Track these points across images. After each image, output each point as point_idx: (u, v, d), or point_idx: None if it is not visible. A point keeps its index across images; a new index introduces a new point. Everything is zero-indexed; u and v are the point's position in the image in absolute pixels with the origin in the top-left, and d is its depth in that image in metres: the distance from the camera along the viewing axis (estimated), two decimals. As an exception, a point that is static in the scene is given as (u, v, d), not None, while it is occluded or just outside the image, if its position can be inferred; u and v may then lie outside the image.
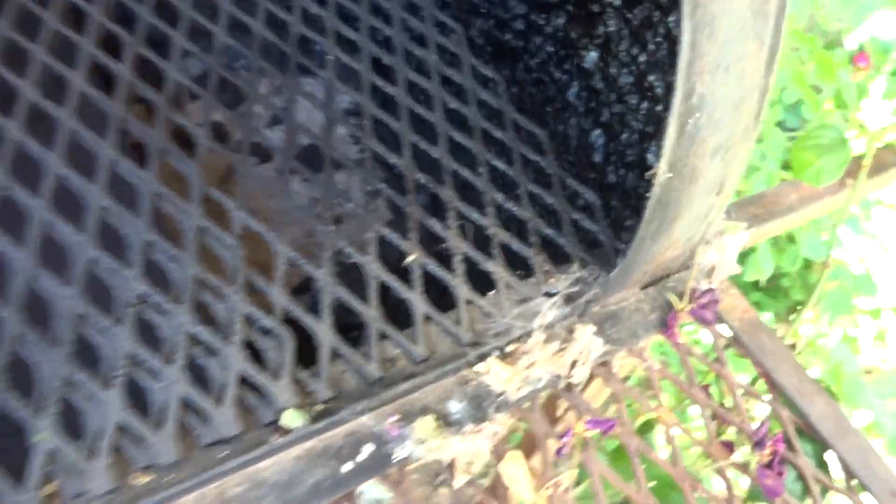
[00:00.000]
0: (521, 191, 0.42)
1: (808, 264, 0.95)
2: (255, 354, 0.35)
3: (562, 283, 0.38)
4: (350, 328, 0.39)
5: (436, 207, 0.41)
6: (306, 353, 0.36)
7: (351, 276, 0.38)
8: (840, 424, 0.37)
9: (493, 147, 0.44)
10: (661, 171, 0.35)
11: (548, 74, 0.58)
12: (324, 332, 0.35)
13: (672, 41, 0.46)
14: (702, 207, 0.41)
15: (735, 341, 0.40)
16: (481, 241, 0.41)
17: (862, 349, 1.08)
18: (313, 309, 0.37)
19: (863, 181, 0.46)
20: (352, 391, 0.35)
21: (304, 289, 0.49)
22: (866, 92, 0.52)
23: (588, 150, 0.56)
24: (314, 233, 0.40)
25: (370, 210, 0.41)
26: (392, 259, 0.39)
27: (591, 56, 0.54)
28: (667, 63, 0.46)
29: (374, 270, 0.38)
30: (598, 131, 0.56)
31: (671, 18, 0.45)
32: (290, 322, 0.36)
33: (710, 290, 0.39)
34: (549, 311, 0.36)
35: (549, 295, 0.37)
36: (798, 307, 1.12)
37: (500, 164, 0.43)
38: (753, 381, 0.43)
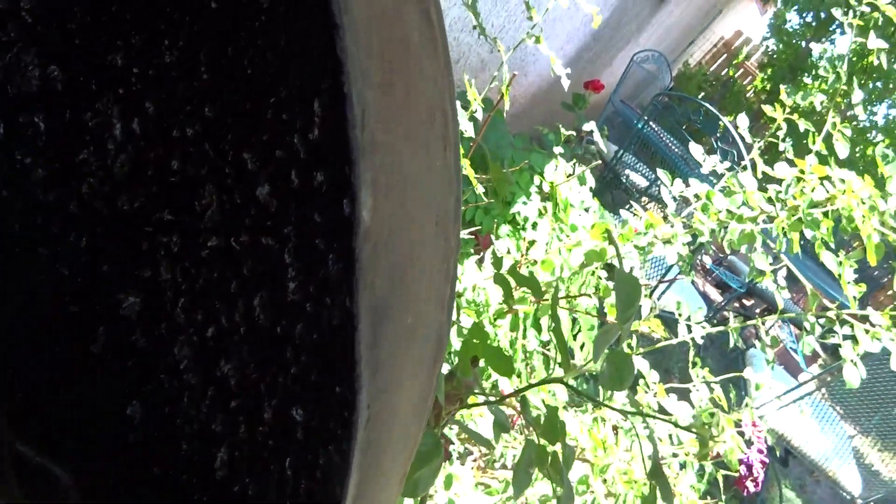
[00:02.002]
0: None
1: None
2: None
3: None
4: None
5: None
6: None
7: None
8: None
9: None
10: None
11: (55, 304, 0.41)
12: None
13: (256, 328, 0.35)
14: None
15: None
16: None
17: None
18: None
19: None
20: None
21: None
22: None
23: (122, 425, 0.41)
24: None
25: None
26: None
27: (132, 302, 0.40)
28: (247, 355, 0.36)
29: None
30: (136, 403, 0.41)
31: (256, 301, 0.35)
32: None
33: None
34: None
35: None
36: None
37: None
38: None
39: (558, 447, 0.41)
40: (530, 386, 0.42)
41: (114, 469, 0.37)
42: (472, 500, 0.96)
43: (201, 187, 0.37)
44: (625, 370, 0.38)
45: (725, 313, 4.21)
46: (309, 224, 0.33)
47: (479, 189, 0.91)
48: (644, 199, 3.57)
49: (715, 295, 5.14)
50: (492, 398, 0.55)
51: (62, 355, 0.41)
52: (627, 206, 3.69)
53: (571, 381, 0.41)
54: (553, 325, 0.42)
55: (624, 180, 3.50)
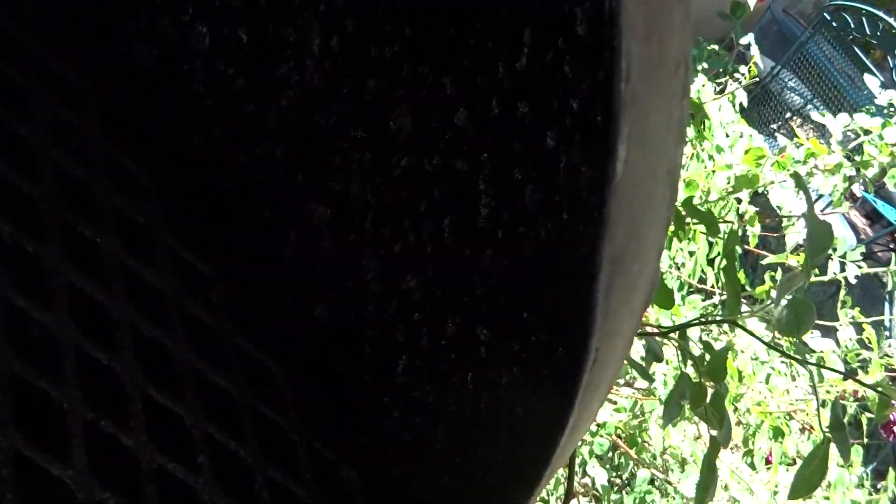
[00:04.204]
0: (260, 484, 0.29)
1: None
2: None
3: None
4: None
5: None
6: None
7: None
8: None
9: (208, 409, 0.30)
10: None
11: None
12: None
13: (442, 248, 0.36)
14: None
15: None
16: None
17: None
18: None
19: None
20: None
21: None
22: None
23: (310, 325, 0.44)
24: None
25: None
26: None
27: (322, 212, 0.42)
28: (432, 273, 0.37)
29: None
30: (323, 305, 0.44)
31: (445, 223, 0.36)
32: None
33: None
34: None
35: None
36: None
37: (231, 443, 0.29)
38: None
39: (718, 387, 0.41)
40: (695, 322, 0.42)
41: (305, 364, 0.40)
42: (601, 415, 0.98)
43: (396, 108, 0.38)
44: (805, 318, 0.37)
45: (874, 248, 3.91)
46: (506, 152, 0.33)
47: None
48: (795, 118, 3.31)
49: (861, 224, 4.77)
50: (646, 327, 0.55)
51: (254, 253, 0.44)
52: (778, 126, 3.44)
53: (752, 324, 0.40)
54: (727, 264, 0.41)
55: (776, 97, 3.25)
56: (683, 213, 0.50)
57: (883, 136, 1.23)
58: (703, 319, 0.42)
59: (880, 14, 2.09)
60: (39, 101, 0.37)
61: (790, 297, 0.38)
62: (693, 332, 1.06)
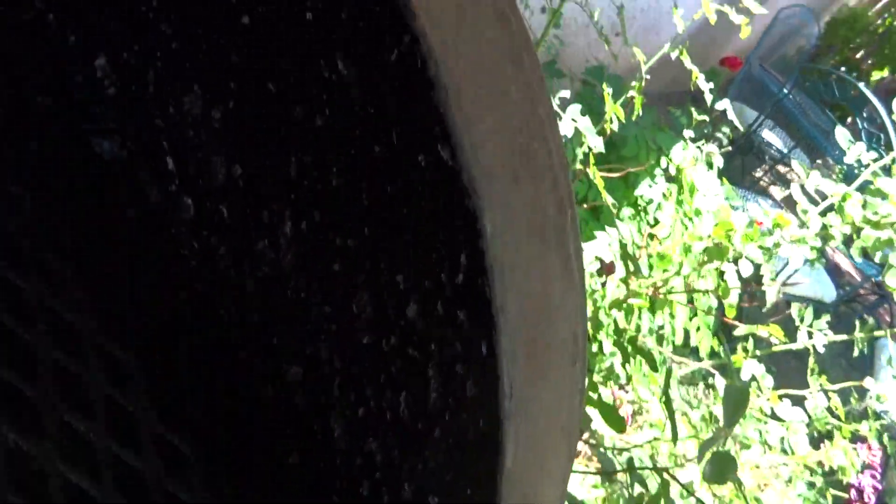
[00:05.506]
0: None
1: None
2: None
3: None
4: None
5: None
6: None
7: None
8: None
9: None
10: None
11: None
12: None
13: (399, 420, 0.41)
14: None
15: None
16: None
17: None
18: None
19: None
20: None
21: None
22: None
23: (282, 470, 0.48)
24: None
25: None
26: None
27: (295, 371, 0.47)
28: (391, 440, 0.42)
29: None
30: (295, 454, 0.48)
31: (402, 397, 0.40)
32: None
33: None
34: None
35: None
36: None
37: None
38: None
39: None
40: (641, 468, 0.47)
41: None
42: (579, 492, 1.02)
43: (358, 292, 0.42)
44: (727, 470, 0.41)
45: (860, 291, 3.96)
46: (450, 349, 0.38)
47: (609, 199, 0.93)
48: (777, 166, 3.39)
49: (846, 265, 4.83)
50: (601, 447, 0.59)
51: (233, 406, 0.49)
52: (763, 173, 3.51)
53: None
54: (666, 400, 0.46)
55: (757, 142, 3.32)
56: (628, 348, 0.55)
57: (844, 207, 1.29)
58: (646, 466, 0.45)
59: (848, 78, 2.17)
60: None
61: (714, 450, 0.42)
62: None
